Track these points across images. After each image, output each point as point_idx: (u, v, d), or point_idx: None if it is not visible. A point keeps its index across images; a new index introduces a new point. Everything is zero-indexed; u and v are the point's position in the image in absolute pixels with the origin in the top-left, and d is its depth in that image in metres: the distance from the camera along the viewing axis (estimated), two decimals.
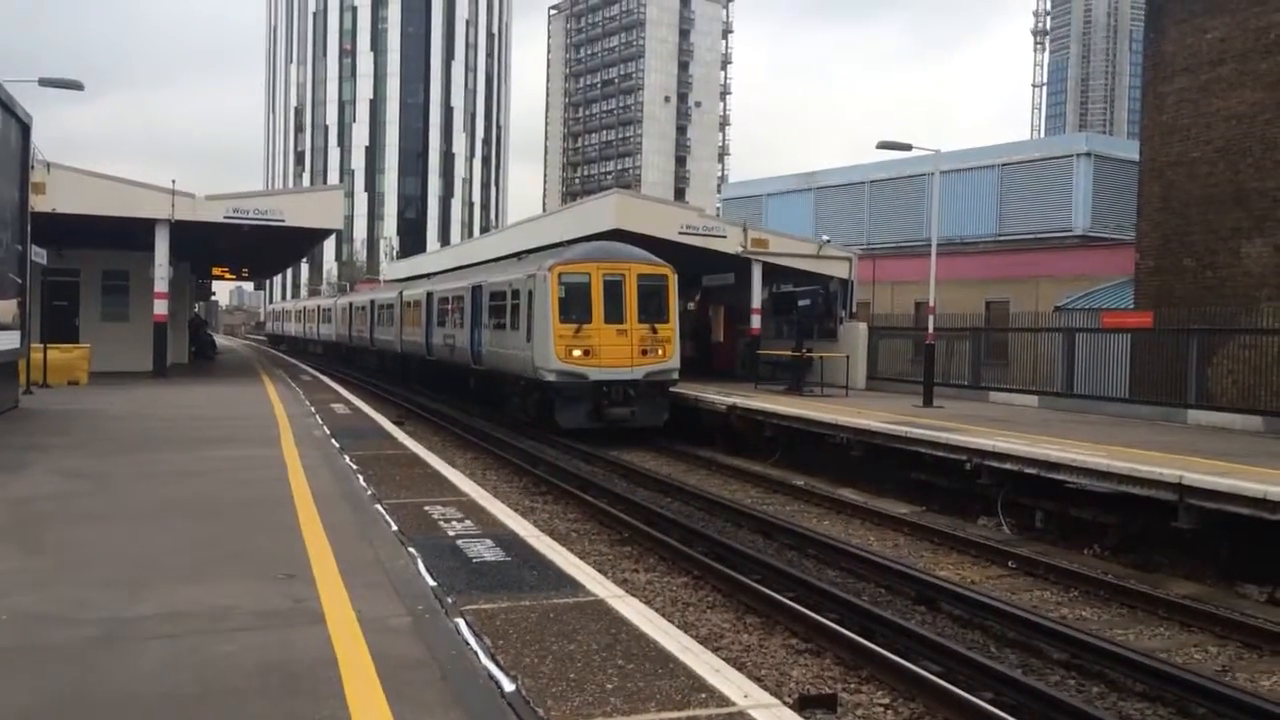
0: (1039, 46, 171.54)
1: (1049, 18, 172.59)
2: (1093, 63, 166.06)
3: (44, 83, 21.19)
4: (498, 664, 5.07)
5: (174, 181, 25.06)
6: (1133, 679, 7.99)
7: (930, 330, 23.09)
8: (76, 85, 21.80)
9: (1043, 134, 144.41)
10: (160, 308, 26.18)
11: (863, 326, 28.70)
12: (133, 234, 25.81)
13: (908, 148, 22.55)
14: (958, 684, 7.41)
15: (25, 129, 17.33)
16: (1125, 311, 23.44)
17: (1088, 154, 33.43)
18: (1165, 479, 11.85)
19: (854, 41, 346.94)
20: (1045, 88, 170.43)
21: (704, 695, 4.75)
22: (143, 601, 6.06)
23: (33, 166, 18.89)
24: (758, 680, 6.86)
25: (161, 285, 25.92)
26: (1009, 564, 12.06)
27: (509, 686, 4.77)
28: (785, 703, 5.51)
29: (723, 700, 4.70)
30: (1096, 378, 21.86)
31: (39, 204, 20.64)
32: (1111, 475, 12.57)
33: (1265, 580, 11.08)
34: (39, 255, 20.28)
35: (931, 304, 22.90)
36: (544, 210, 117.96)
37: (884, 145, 22.44)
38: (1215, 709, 7.37)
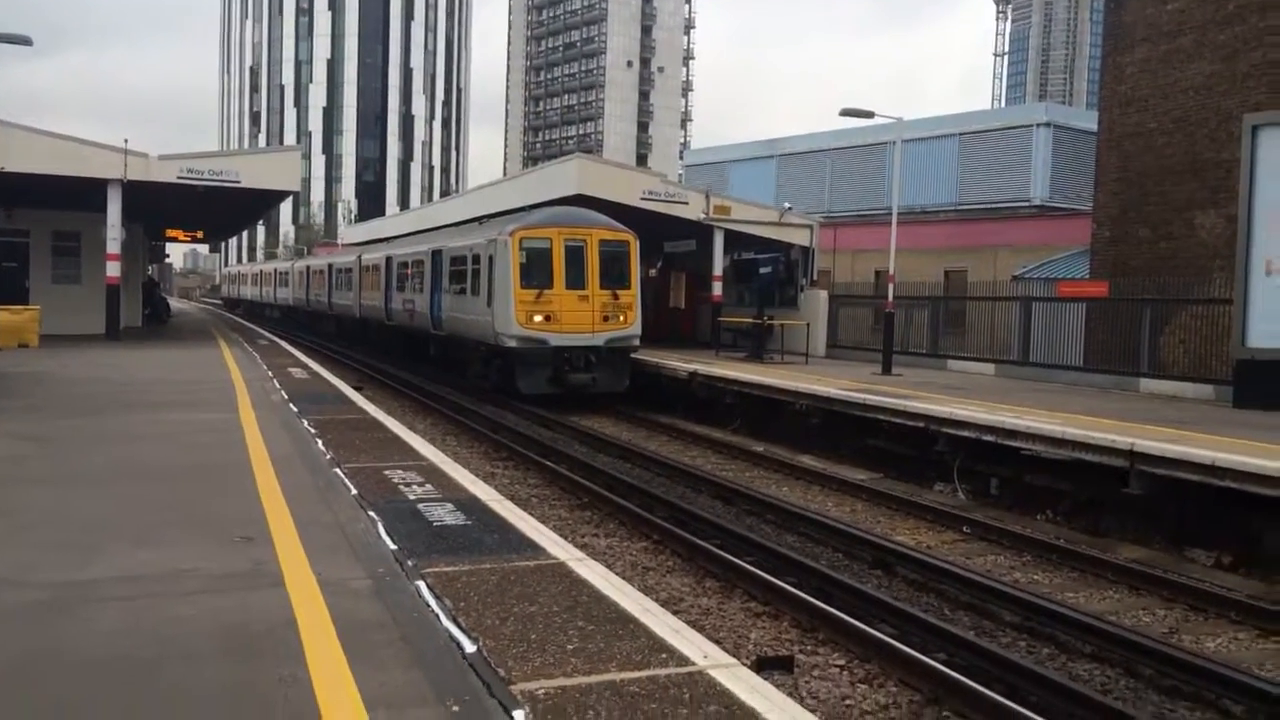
0: (1001, 15, 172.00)
1: None
2: (1054, 32, 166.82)
3: None
4: (459, 625, 5.08)
5: (126, 141, 24.56)
6: (1082, 640, 8.15)
7: (889, 299, 23.26)
8: (25, 40, 21.24)
9: (1004, 104, 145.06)
10: (113, 270, 25.71)
11: (823, 294, 28.84)
12: (84, 194, 25.27)
13: (870, 115, 22.57)
14: (912, 646, 7.53)
15: None
16: (1081, 281, 23.76)
17: (1047, 124, 33.72)
18: (1118, 446, 12.05)
19: (819, 8, 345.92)
20: (1006, 57, 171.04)
21: (664, 655, 4.79)
22: (97, 565, 6.00)
23: None
24: (716, 642, 6.92)
25: (114, 247, 25.44)
26: (964, 529, 12.24)
27: (470, 647, 4.78)
28: (744, 663, 5.57)
29: (682, 660, 4.74)
30: (1052, 346, 22.15)
31: None
32: (1066, 442, 12.77)
33: (1212, 545, 11.33)
34: None
35: (891, 273, 23.04)
36: (505, 174, 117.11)
37: (847, 112, 22.43)
38: (1162, 670, 7.54)
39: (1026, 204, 33.53)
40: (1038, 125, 33.83)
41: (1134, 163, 22.36)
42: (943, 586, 9.59)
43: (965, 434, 14.38)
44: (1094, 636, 8.11)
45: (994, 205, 34.15)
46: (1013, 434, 13.59)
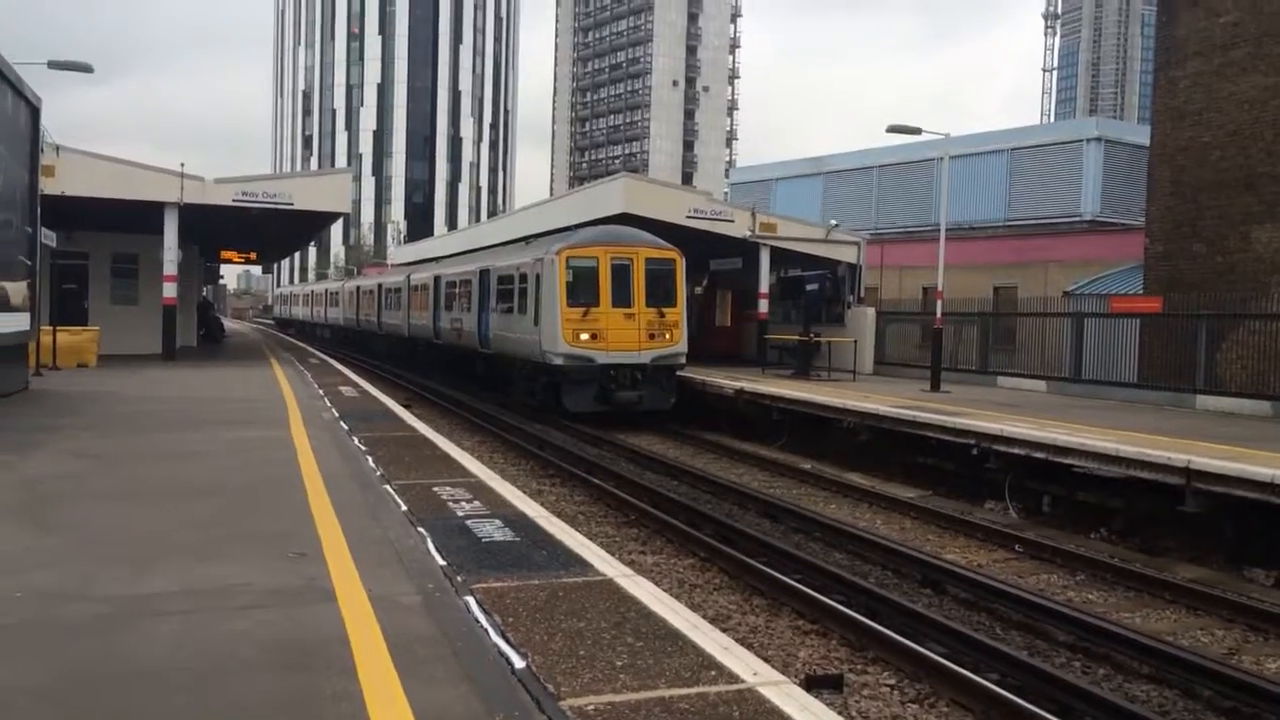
0: (1050, 30, 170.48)
1: (1060, 1, 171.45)
2: (1104, 47, 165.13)
3: (53, 65, 21.22)
4: (508, 641, 5.11)
5: (183, 165, 25.08)
6: (1139, 661, 8.01)
7: (938, 315, 23.06)
8: (85, 68, 21.82)
9: (1053, 119, 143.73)
10: (169, 291, 26.24)
11: (870, 311, 28.67)
12: (142, 217, 25.84)
13: (917, 131, 22.48)
14: (963, 665, 7.44)
15: (35, 111, 17.35)
16: (1134, 296, 23.39)
17: (1098, 139, 33.28)
18: (1173, 463, 11.84)
19: (865, 27, 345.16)
20: (1056, 72, 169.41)
21: (713, 673, 4.78)
22: (155, 579, 6.11)
23: (42, 149, 18.92)
24: (765, 660, 6.88)
25: (170, 268, 25.98)
26: (1015, 548, 12.08)
27: (519, 663, 4.81)
28: (794, 681, 5.54)
29: (732, 678, 4.73)
30: (1105, 363, 21.82)
31: (48, 186, 20.67)
32: (1120, 459, 12.57)
33: (1272, 564, 11.09)
34: (48, 238, 20.34)
35: (940, 289, 22.85)
36: (551, 194, 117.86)
37: (894, 129, 22.36)
38: (1221, 691, 7.39)
39: (1078, 219, 33.10)
40: (1088, 140, 33.41)
41: (1187, 176, 22.01)
42: (994, 605, 9.47)
43: (1016, 451, 14.21)
44: (1151, 657, 7.96)
45: (1044, 221, 33.75)
46: (1065, 451, 13.40)
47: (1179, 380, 19.80)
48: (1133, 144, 31.97)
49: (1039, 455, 13.84)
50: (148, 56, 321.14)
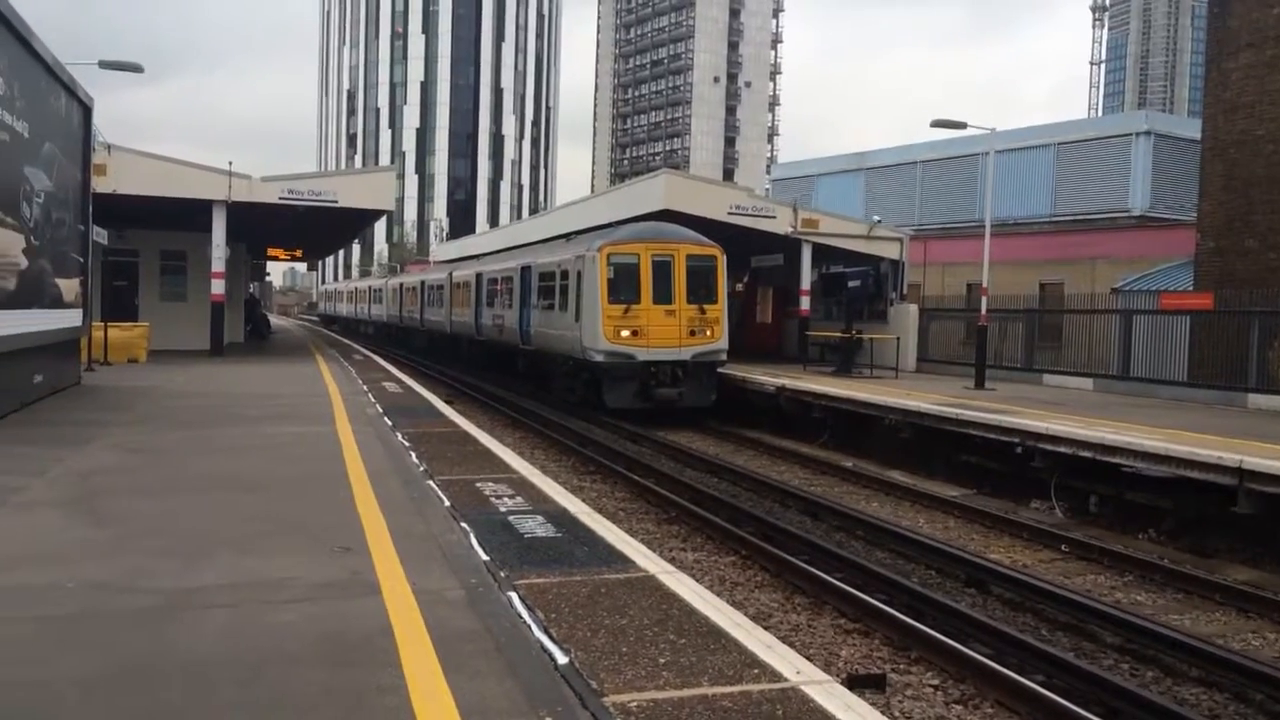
0: (1098, 23, 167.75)
1: None
2: (1153, 39, 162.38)
3: (104, 65, 21.58)
4: (551, 637, 5.13)
5: (230, 163, 25.41)
6: (1189, 664, 7.88)
7: (983, 312, 22.82)
8: (136, 68, 22.18)
9: (1101, 112, 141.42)
10: (217, 287, 26.60)
11: (913, 308, 28.43)
12: (190, 215, 26.22)
13: (962, 126, 22.25)
14: (1008, 666, 7.36)
15: (87, 111, 17.65)
16: (1185, 293, 22.99)
17: (1147, 132, 32.73)
18: (1225, 463, 11.63)
19: (909, 20, 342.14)
20: (1104, 65, 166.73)
21: (756, 671, 4.77)
22: (203, 572, 6.20)
23: (94, 148, 19.25)
24: (807, 659, 6.86)
25: (218, 265, 26.34)
26: (1062, 548, 11.93)
27: (562, 659, 4.83)
28: (837, 680, 5.51)
29: (775, 676, 4.71)
30: (1154, 361, 21.48)
31: (100, 185, 21.03)
32: (1169, 459, 12.37)
33: None
34: (100, 235, 20.70)
35: (984, 285, 22.61)
36: (592, 191, 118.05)
37: (938, 123, 22.15)
38: (1273, 695, 7.25)
39: (1126, 214, 32.59)
40: (1137, 134, 32.86)
41: (1240, 171, 21.59)
42: (1040, 606, 9.35)
43: (1062, 450, 14.02)
44: (1201, 660, 7.83)
45: (1092, 216, 33.26)
46: (1112, 450, 13.21)
47: (1230, 379, 19.44)
48: (1183, 138, 31.43)
49: (1085, 454, 13.65)
50: (198, 57, 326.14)
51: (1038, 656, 7.67)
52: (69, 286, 16.57)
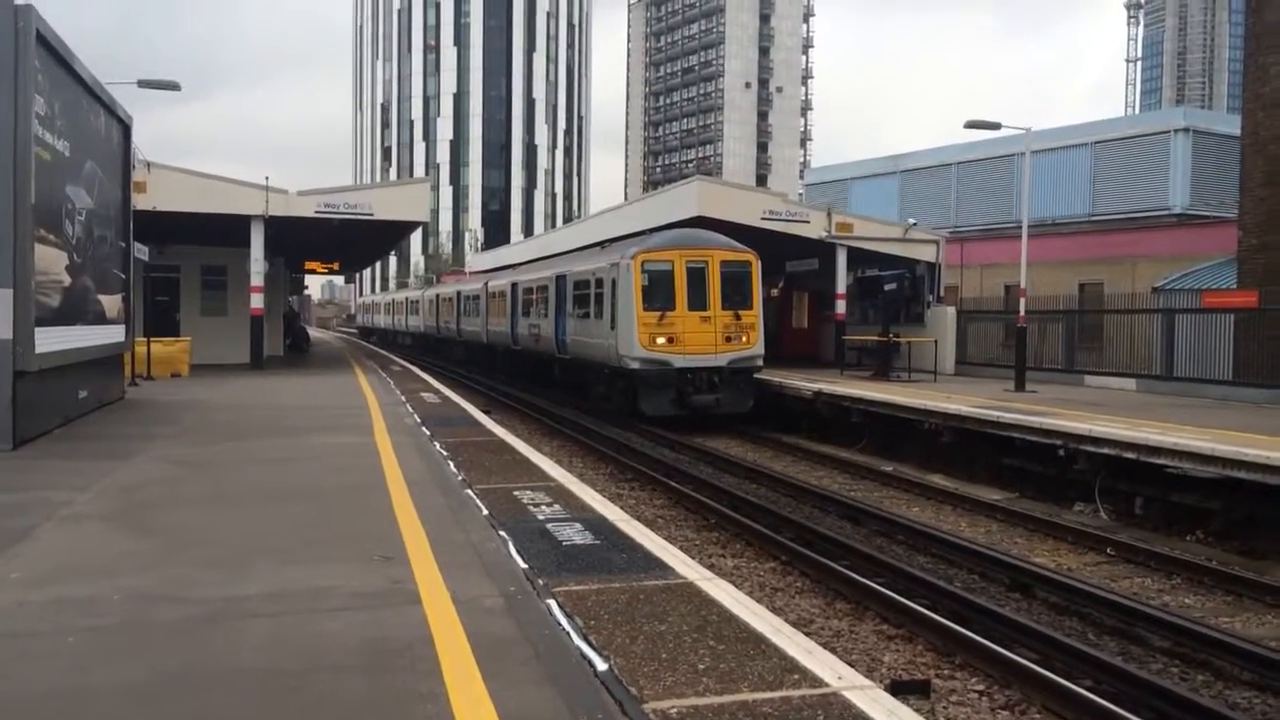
0: (1132, 20, 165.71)
1: None
2: (1190, 35, 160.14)
3: (143, 84, 21.90)
4: (590, 644, 5.12)
5: (267, 178, 25.71)
6: (1240, 667, 7.73)
7: (1022, 313, 22.57)
8: (174, 86, 22.49)
9: (1137, 110, 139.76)
10: (257, 301, 26.89)
11: (951, 310, 28.19)
12: (229, 230, 26.56)
13: (997, 126, 22.05)
14: (1055, 672, 7.25)
15: (126, 129, 17.92)
16: (1228, 291, 22.61)
17: (1186, 129, 32.30)
18: (1273, 463, 11.42)
19: (941, 22, 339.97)
20: (1140, 62, 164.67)
21: (796, 677, 4.73)
22: (246, 581, 6.25)
23: (134, 166, 19.52)
24: (849, 665, 6.80)
25: (257, 280, 26.64)
26: (1107, 551, 11.76)
27: (602, 665, 4.81)
28: (879, 686, 5.45)
29: (816, 681, 4.67)
30: (1198, 360, 21.14)
31: (140, 202, 21.35)
32: (1216, 459, 12.16)
33: None
34: (141, 252, 20.99)
35: (1023, 286, 22.37)
36: (626, 199, 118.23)
37: (972, 124, 21.97)
38: None
39: (1166, 212, 32.16)
40: (1176, 131, 32.44)
41: None
42: (1086, 610, 9.21)
43: (1106, 451, 13.83)
44: (1253, 663, 7.67)
45: (1131, 215, 32.85)
46: (1157, 451, 13.01)
47: (1277, 377, 19.08)
48: (1222, 134, 30.97)
49: (1130, 456, 13.45)
50: (234, 74, 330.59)
51: (1084, 661, 7.56)
52: (111, 303, 16.81)
